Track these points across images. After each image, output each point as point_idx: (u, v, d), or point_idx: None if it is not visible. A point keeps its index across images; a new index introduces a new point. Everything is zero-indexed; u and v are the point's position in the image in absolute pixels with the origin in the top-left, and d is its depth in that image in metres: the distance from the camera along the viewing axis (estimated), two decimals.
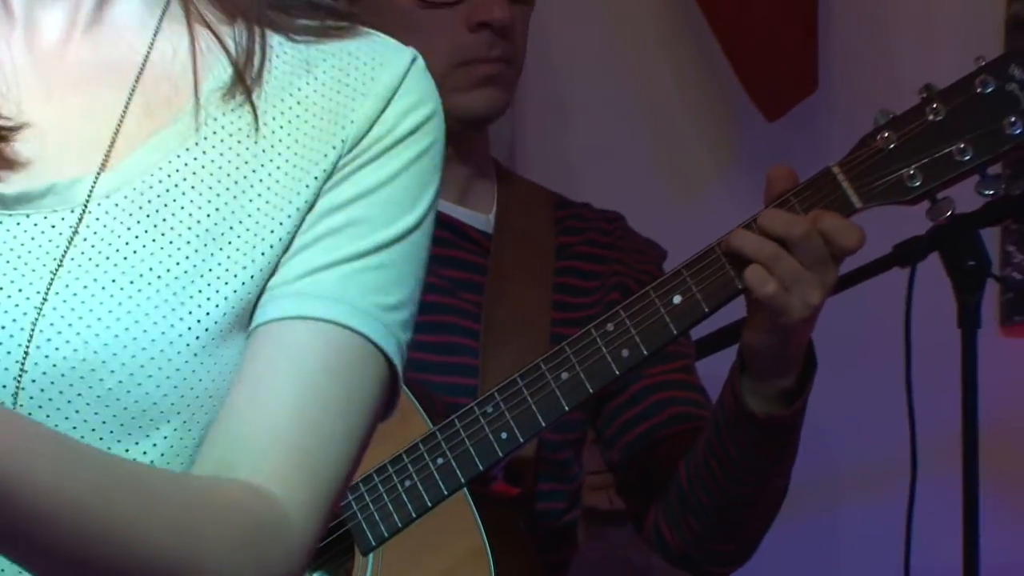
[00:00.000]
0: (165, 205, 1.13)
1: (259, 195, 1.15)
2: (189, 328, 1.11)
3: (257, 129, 1.16)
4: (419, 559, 1.86)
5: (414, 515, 1.84)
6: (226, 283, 1.13)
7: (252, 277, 1.14)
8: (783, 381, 1.85)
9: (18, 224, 1.11)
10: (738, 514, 1.95)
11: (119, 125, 1.15)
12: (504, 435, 1.84)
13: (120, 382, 1.10)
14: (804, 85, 2.90)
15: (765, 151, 2.97)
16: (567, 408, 1.84)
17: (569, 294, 2.02)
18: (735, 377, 1.87)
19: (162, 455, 1.12)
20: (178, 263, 1.12)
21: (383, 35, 1.23)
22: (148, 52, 1.18)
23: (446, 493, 1.84)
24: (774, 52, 2.91)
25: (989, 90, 1.79)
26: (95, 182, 1.13)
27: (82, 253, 1.11)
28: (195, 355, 1.11)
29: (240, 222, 1.14)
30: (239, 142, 1.16)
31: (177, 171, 1.14)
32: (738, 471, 1.89)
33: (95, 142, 1.14)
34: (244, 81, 1.16)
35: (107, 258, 1.11)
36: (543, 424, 1.85)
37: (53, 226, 1.11)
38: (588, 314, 1.97)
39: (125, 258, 1.12)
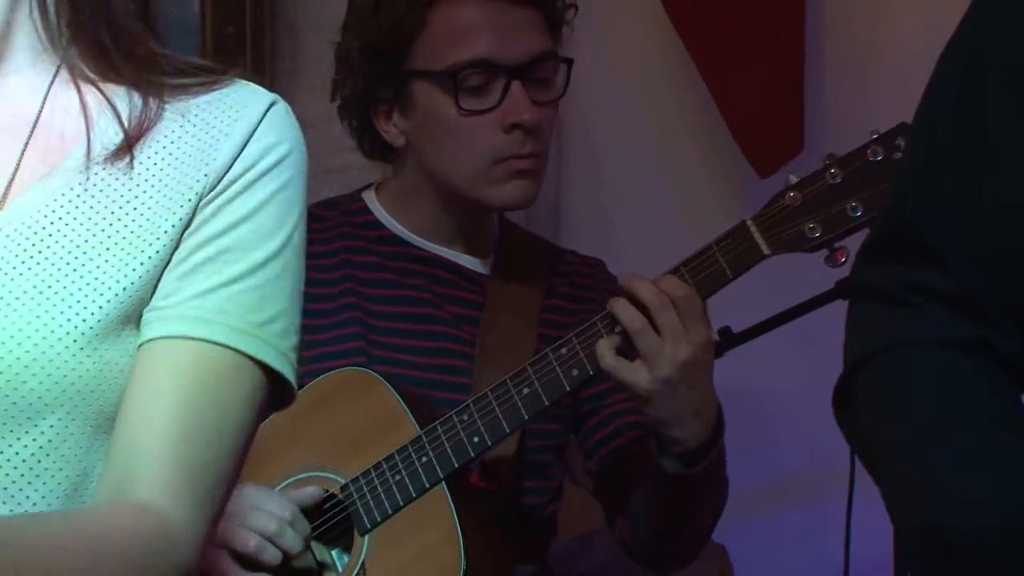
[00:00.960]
0: (49, 235, 1.17)
1: (133, 221, 1.18)
2: (68, 332, 1.15)
3: (133, 168, 1.19)
4: (404, 540, 1.91)
5: (402, 504, 1.91)
6: (101, 294, 1.16)
7: (124, 289, 1.17)
8: (683, 446, 1.89)
9: None
10: (672, 536, 2.01)
11: (14, 173, 1.20)
12: (476, 439, 1.90)
13: (8, 380, 1.13)
14: (791, 147, 2.91)
15: (761, 203, 3.06)
16: (526, 417, 1.91)
17: (552, 327, 2.06)
18: (652, 442, 1.92)
19: (49, 441, 1.15)
20: (57, 280, 1.16)
21: (251, 84, 1.25)
22: (40, 111, 1.22)
23: (428, 486, 1.91)
24: (765, 119, 2.94)
25: (879, 158, 1.86)
26: None
27: None
28: (73, 355, 1.15)
29: (116, 244, 1.17)
30: (117, 179, 1.19)
31: (61, 207, 1.18)
32: (665, 508, 1.96)
33: None
34: (129, 141, 1.20)
35: None
36: (507, 430, 1.91)
37: None
38: None
39: (12, 279, 1.16)
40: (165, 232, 1.19)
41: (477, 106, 1.97)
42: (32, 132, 1.21)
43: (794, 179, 1.89)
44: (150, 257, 1.18)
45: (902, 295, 1.25)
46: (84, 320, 1.16)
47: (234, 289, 1.18)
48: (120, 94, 1.23)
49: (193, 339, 1.17)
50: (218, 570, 1.88)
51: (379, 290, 2.03)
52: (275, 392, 1.22)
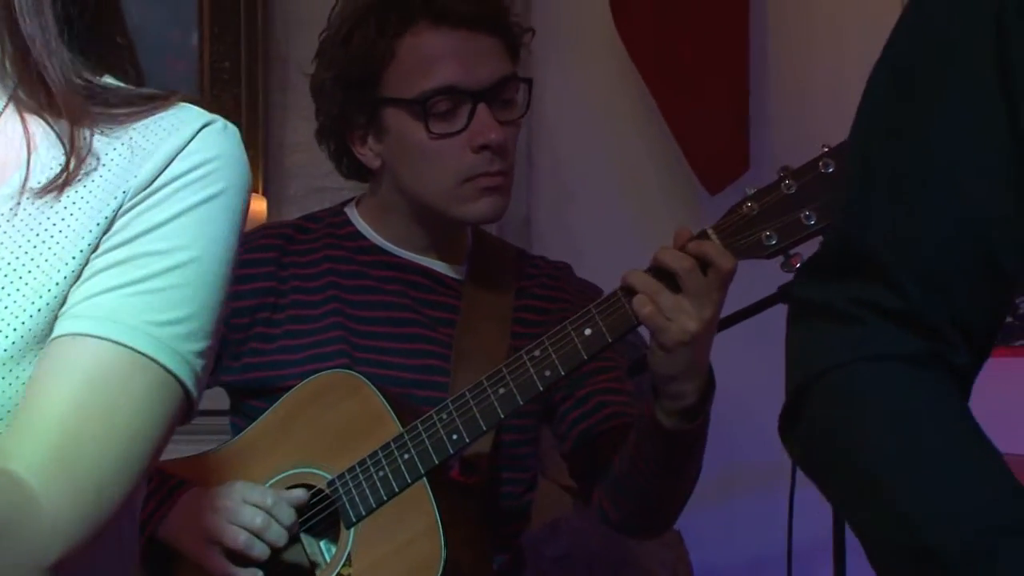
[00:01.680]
0: None
1: (56, 244, 1.11)
2: None
3: (60, 199, 1.12)
4: (388, 533, 1.87)
5: (385, 498, 1.87)
6: (17, 317, 1.10)
7: (39, 310, 1.10)
8: (685, 400, 1.85)
9: None
10: (659, 498, 1.96)
11: None
12: (455, 436, 1.87)
13: None
14: (738, 166, 2.93)
15: (716, 216, 3.07)
16: (502, 415, 1.87)
17: (524, 326, 2.03)
18: (650, 397, 1.87)
19: None
20: None
21: (192, 106, 1.17)
22: None
23: (410, 481, 1.87)
24: (714, 142, 2.95)
25: (830, 170, 1.80)
26: None
27: None
28: None
29: (37, 266, 1.11)
30: (47, 206, 1.13)
31: None
32: (657, 468, 1.90)
33: None
34: (67, 176, 1.13)
35: None
36: (484, 428, 1.87)
37: None
38: None
39: None
40: (81, 251, 1.12)
41: (446, 129, 1.94)
42: None
43: (750, 190, 1.85)
44: (65, 277, 1.11)
45: (850, 311, 1.16)
46: (0, 345, 1.09)
47: (134, 290, 1.10)
48: (62, 126, 1.15)
49: (85, 335, 1.09)
50: (209, 565, 1.85)
51: (361, 296, 2.01)
52: (184, 401, 1.13)
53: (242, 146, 1.16)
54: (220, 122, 1.16)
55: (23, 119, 1.16)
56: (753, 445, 2.78)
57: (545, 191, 3.21)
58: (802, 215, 1.82)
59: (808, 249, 1.81)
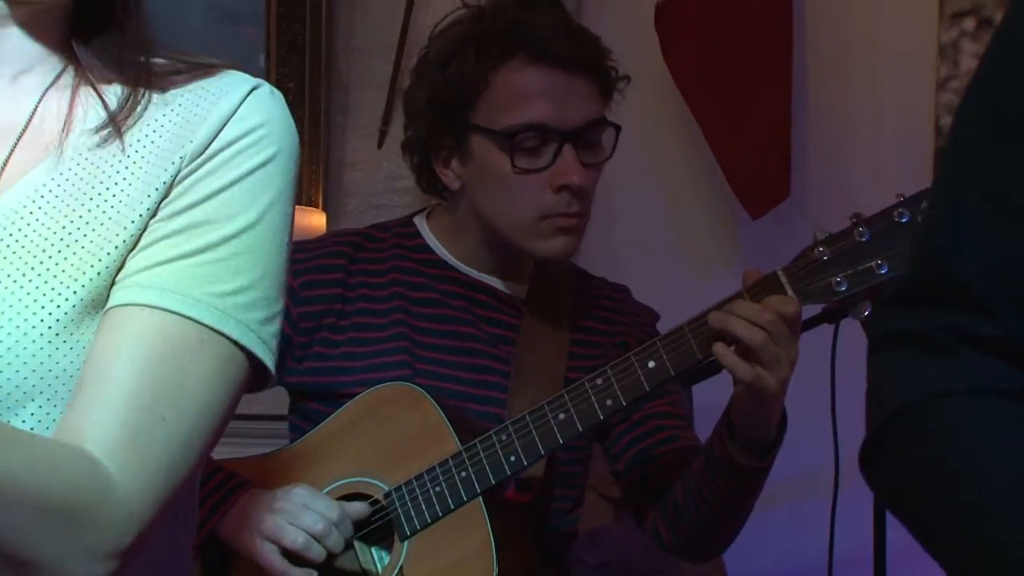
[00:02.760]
0: (28, 224, 1.07)
1: (111, 207, 1.07)
2: (42, 320, 1.04)
3: (123, 151, 1.09)
4: (441, 548, 1.86)
5: (440, 514, 1.85)
6: (75, 279, 1.05)
7: (99, 274, 1.06)
8: (763, 438, 1.84)
9: None
10: (720, 524, 1.94)
11: (1, 171, 1.09)
12: (512, 458, 1.84)
13: None
14: (779, 192, 2.93)
15: (755, 241, 3.05)
16: (561, 441, 1.84)
17: (582, 347, 2.01)
18: (724, 432, 1.84)
19: (32, 428, 1.04)
20: (33, 268, 1.05)
21: (238, 71, 1.14)
22: (33, 111, 1.12)
23: (465, 499, 1.85)
24: (756, 167, 2.94)
25: (904, 219, 1.76)
26: None
27: None
28: (49, 342, 1.04)
29: (92, 229, 1.07)
30: (99, 168, 1.09)
31: (42, 197, 1.08)
32: (722, 499, 1.88)
33: None
34: (115, 122, 1.10)
35: None
36: (542, 452, 1.85)
37: None
38: (595, 364, 1.96)
39: None
40: (140, 216, 1.07)
41: (530, 165, 1.89)
42: (23, 132, 1.11)
43: (821, 235, 1.80)
44: (125, 241, 1.07)
45: (943, 341, 1.10)
46: (59, 306, 1.04)
47: (195, 260, 1.06)
48: (110, 91, 1.13)
49: (152, 307, 1.04)
50: (265, 562, 1.85)
51: (426, 308, 1.98)
52: (253, 370, 1.09)
53: (288, 109, 1.13)
54: (266, 86, 1.12)
55: (75, 90, 1.13)
56: (789, 457, 2.76)
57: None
58: (874, 263, 1.77)
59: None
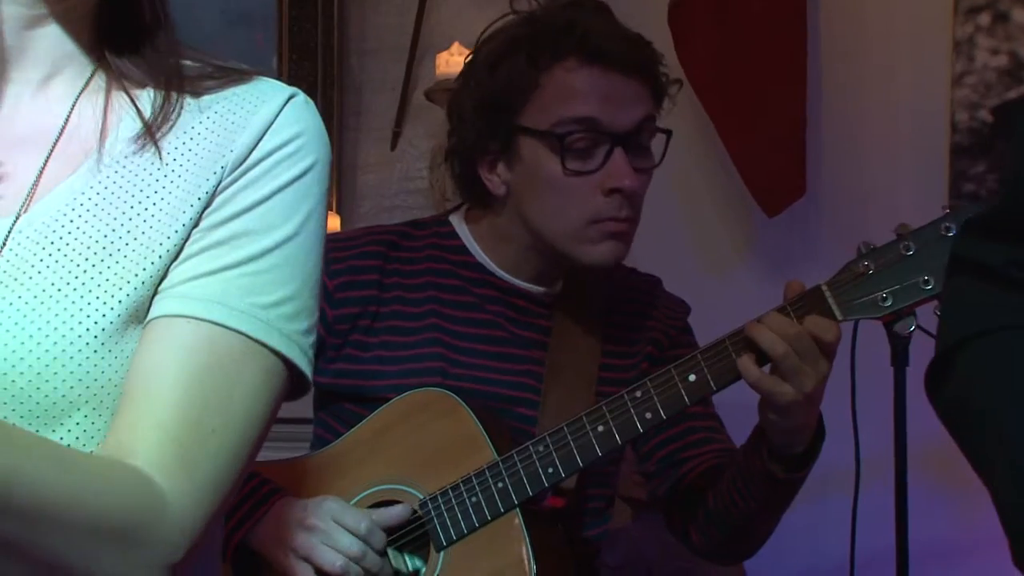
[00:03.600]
0: (68, 232, 1.05)
1: (152, 216, 1.06)
2: (87, 329, 1.02)
3: (161, 159, 1.08)
4: (477, 560, 1.80)
5: (477, 525, 1.80)
6: (120, 288, 1.04)
7: (143, 283, 1.04)
8: (794, 449, 1.79)
9: None
10: (752, 530, 1.91)
11: (38, 177, 1.08)
12: (550, 470, 1.79)
13: (30, 381, 1.00)
14: (795, 191, 2.91)
15: (770, 239, 3.02)
16: (600, 454, 1.79)
17: (614, 343, 1.96)
18: (760, 444, 1.80)
19: (77, 439, 1.02)
20: (76, 276, 1.03)
21: (270, 79, 1.12)
22: (67, 118, 1.10)
23: (502, 510, 1.79)
24: (771, 165, 2.92)
25: (951, 233, 1.70)
26: (14, 222, 1.06)
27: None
28: (95, 352, 1.02)
29: (135, 239, 1.05)
30: (138, 176, 1.07)
31: (81, 205, 1.06)
32: (757, 506, 1.85)
33: (20, 191, 1.08)
34: (151, 130, 1.08)
35: (15, 279, 1.03)
36: (581, 464, 1.79)
37: None
38: (628, 361, 1.93)
39: (31, 278, 1.03)
40: (184, 225, 1.06)
41: (580, 167, 1.84)
42: (58, 138, 1.09)
43: (865, 248, 1.74)
44: (168, 251, 1.05)
45: (1010, 274, 1.10)
46: (104, 316, 1.03)
47: (238, 272, 1.05)
48: (143, 96, 1.11)
49: (197, 319, 1.03)
50: None
51: (460, 312, 1.93)
52: (291, 380, 1.08)
53: (320, 118, 1.12)
54: (301, 95, 1.12)
55: (108, 92, 1.11)
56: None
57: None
58: (921, 279, 1.72)
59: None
